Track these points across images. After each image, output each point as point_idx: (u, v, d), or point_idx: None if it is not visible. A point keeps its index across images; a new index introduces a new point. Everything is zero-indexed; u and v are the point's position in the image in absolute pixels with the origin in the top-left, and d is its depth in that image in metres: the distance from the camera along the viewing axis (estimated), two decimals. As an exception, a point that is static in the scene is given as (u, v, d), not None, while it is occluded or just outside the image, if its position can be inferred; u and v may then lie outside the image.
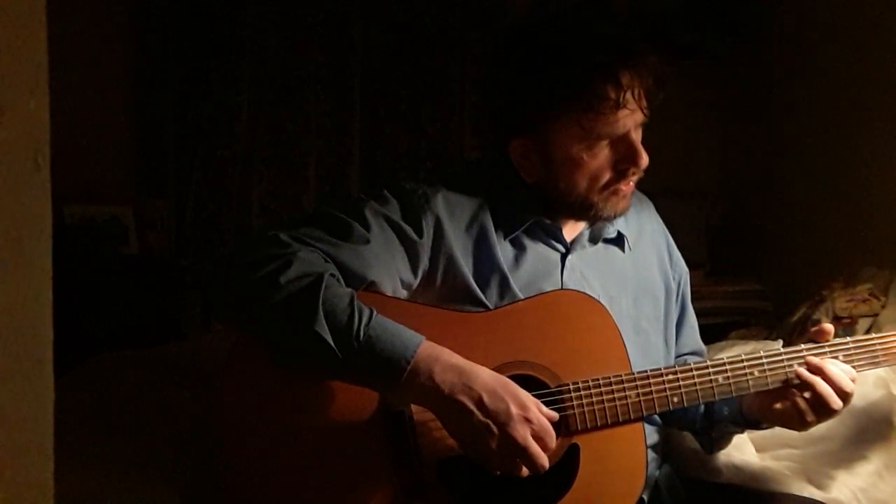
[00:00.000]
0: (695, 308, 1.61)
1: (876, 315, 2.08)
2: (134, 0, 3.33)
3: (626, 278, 1.47)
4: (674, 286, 1.54)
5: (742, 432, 1.50)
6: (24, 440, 0.65)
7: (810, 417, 1.32)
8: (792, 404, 1.33)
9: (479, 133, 3.43)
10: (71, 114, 2.89)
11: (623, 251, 1.49)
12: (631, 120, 1.32)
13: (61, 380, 0.71)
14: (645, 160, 1.34)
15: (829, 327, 1.37)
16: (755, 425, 1.42)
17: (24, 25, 0.64)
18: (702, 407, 1.46)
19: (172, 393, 1.64)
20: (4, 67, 0.62)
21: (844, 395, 1.31)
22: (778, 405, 1.35)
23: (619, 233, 1.48)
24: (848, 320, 2.08)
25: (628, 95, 1.29)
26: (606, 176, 1.34)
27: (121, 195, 3.24)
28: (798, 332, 2.13)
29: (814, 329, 1.39)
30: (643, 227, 1.53)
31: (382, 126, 3.43)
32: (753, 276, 3.17)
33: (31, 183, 0.64)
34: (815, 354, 1.34)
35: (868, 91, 2.69)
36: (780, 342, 1.92)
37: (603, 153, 1.33)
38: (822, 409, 1.31)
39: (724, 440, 1.50)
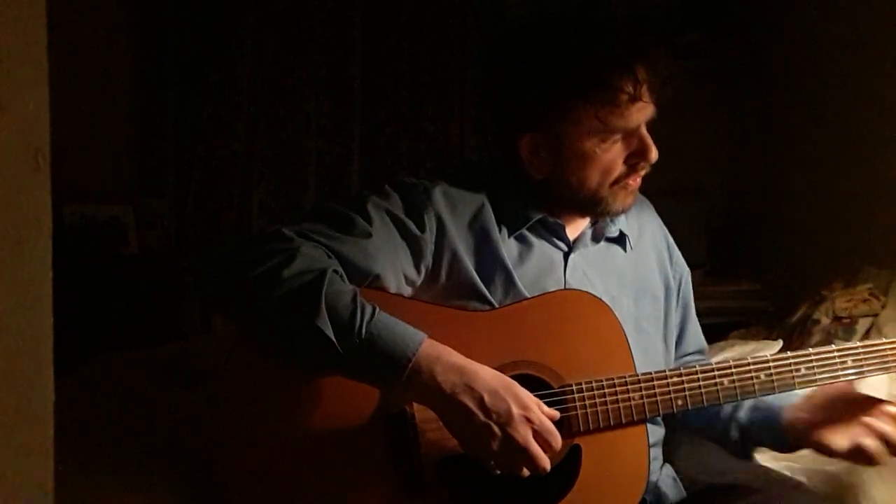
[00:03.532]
0: (696, 308, 1.61)
1: (876, 315, 2.08)
2: (134, 0, 3.33)
3: (627, 278, 1.47)
4: (673, 286, 1.54)
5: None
6: (24, 440, 0.65)
7: (882, 461, 1.32)
8: (860, 450, 1.31)
9: (478, 133, 3.43)
10: (71, 114, 2.89)
11: (624, 250, 1.49)
12: (643, 114, 1.33)
13: (61, 380, 0.70)
14: (655, 154, 1.35)
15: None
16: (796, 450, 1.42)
17: (24, 25, 0.64)
18: (735, 434, 1.45)
19: (172, 393, 1.64)
20: (4, 67, 0.62)
21: None
22: (839, 444, 1.32)
23: (620, 232, 1.48)
24: (848, 320, 2.08)
25: (644, 88, 1.30)
26: (617, 170, 1.35)
27: (121, 195, 3.24)
28: (798, 332, 2.13)
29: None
30: (643, 227, 1.54)
31: (382, 126, 3.43)
32: (753, 276, 3.17)
33: (31, 183, 0.64)
34: (823, 359, 1.34)
35: (868, 91, 2.69)
36: (781, 342, 1.93)
37: (615, 147, 1.34)
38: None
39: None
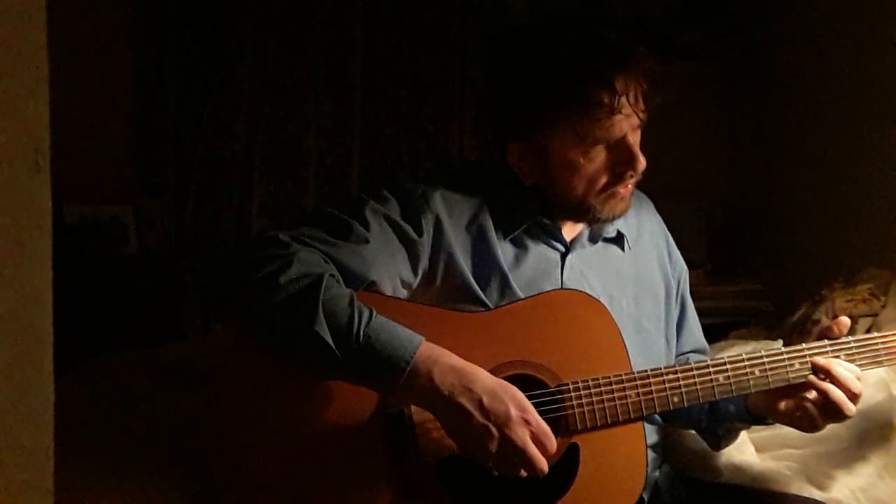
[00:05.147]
0: (695, 308, 1.60)
1: (876, 315, 2.08)
2: (134, 1, 3.33)
3: (626, 277, 1.47)
4: (673, 284, 1.54)
5: (748, 428, 1.50)
6: (24, 440, 0.65)
7: (821, 423, 1.33)
8: (801, 409, 1.33)
9: (478, 133, 3.43)
10: (71, 114, 2.88)
11: (623, 250, 1.49)
12: (627, 124, 1.31)
13: (61, 380, 0.71)
14: (642, 164, 1.33)
15: (845, 320, 1.37)
16: (762, 421, 1.42)
17: (24, 25, 0.64)
18: (706, 405, 1.46)
19: (172, 393, 1.64)
20: (4, 67, 0.62)
21: (854, 398, 1.31)
22: (784, 406, 1.35)
23: (618, 232, 1.48)
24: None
25: (623, 100, 1.28)
26: (603, 179, 1.34)
27: (121, 195, 3.24)
28: (798, 332, 2.13)
29: (826, 325, 1.38)
30: (643, 225, 1.53)
31: (382, 126, 3.43)
32: (753, 276, 3.17)
33: (31, 183, 0.64)
34: (817, 354, 1.34)
35: (868, 91, 2.69)
36: (780, 342, 1.92)
37: (599, 157, 1.33)
38: (835, 415, 1.32)
39: (731, 437, 1.50)
